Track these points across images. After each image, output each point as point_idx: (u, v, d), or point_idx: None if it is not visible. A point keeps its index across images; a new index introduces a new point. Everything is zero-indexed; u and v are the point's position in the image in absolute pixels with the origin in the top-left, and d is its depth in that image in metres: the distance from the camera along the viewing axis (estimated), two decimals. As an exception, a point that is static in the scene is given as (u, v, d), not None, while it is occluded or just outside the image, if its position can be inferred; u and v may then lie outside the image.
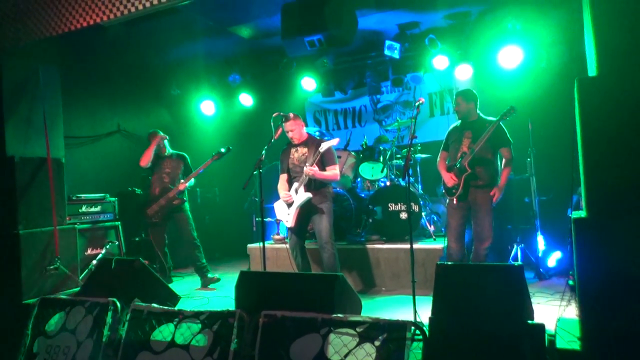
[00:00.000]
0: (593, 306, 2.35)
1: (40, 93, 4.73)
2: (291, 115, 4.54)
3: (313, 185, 4.40)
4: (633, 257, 2.30)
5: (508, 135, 4.34)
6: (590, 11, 2.53)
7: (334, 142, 4.43)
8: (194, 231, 5.58)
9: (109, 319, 3.48)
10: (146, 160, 5.54)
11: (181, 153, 5.80)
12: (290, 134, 4.52)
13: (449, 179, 4.38)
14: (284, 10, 4.99)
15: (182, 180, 5.56)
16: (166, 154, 5.67)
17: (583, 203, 2.55)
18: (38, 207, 4.62)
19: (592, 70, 2.59)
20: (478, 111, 4.51)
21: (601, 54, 2.42)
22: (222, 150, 5.48)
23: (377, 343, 2.65)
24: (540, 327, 2.41)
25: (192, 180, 5.62)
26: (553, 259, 5.11)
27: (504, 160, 4.37)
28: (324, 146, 4.29)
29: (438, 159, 4.65)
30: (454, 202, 4.35)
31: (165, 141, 5.69)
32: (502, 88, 6.12)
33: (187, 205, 5.63)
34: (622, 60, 2.38)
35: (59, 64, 5.01)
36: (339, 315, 2.83)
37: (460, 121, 4.57)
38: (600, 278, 2.35)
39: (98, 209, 5.83)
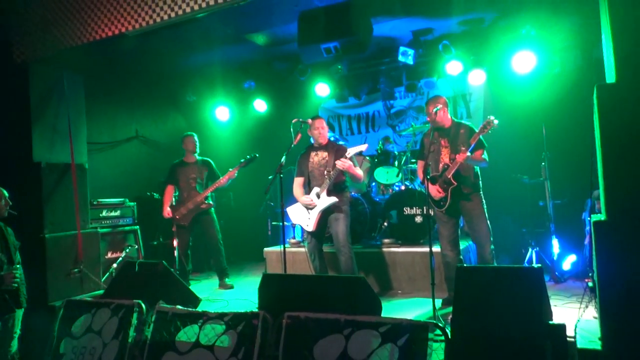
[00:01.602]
0: (613, 307, 2.40)
1: (64, 100, 4.87)
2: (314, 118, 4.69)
3: (333, 189, 4.47)
4: (653, 259, 2.35)
5: (483, 139, 4.18)
6: (608, 18, 2.59)
7: (363, 147, 4.49)
8: (219, 234, 5.72)
9: (134, 321, 3.56)
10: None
11: (206, 159, 5.91)
12: (319, 131, 4.60)
13: (435, 192, 4.25)
14: (300, 18, 5.09)
15: (211, 184, 5.66)
16: (192, 160, 5.80)
17: (602, 206, 2.60)
18: (63, 212, 4.75)
19: (610, 77, 2.64)
20: (450, 116, 4.38)
21: (620, 61, 2.48)
22: (248, 157, 5.56)
23: (399, 343, 2.70)
24: (562, 328, 2.46)
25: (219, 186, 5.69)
26: (568, 262, 5.14)
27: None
28: (351, 151, 4.36)
29: (417, 169, 4.47)
30: (442, 213, 4.29)
31: (195, 153, 5.84)
32: (515, 93, 6.18)
33: (213, 209, 5.76)
34: (640, 68, 2.44)
35: (82, 72, 5.15)
36: (362, 316, 2.89)
37: (433, 128, 4.38)
38: (620, 280, 2.40)
39: (118, 213, 5.96)
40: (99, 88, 6.28)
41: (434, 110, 4.21)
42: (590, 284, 3.14)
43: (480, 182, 4.32)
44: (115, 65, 6.28)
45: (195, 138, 5.87)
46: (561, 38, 5.59)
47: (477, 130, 4.20)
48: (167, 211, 5.64)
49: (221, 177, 5.66)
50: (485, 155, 4.21)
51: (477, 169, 4.32)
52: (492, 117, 3.98)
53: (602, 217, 2.57)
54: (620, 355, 2.37)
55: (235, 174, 5.57)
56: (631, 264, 2.38)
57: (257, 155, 5.64)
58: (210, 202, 5.73)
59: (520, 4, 5.32)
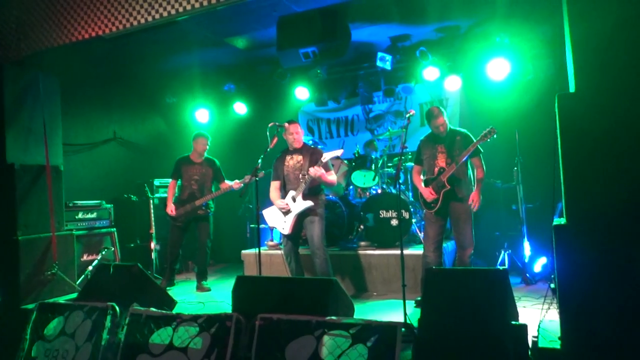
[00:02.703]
0: (572, 308, 2.50)
1: (40, 101, 4.82)
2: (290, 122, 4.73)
3: (308, 192, 4.52)
4: (609, 262, 2.45)
5: (479, 146, 4.31)
6: (569, 32, 2.71)
7: (338, 152, 4.56)
8: (209, 239, 5.74)
9: (107, 323, 3.56)
10: None
11: (211, 158, 5.84)
12: (293, 136, 4.64)
13: (428, 194, 4.39)
14: (279, 22, 5.14)
15: (213, 190, 5.66)
16: (198, 160, 5.74)
17: (563, 211, 2.70)
18: (37, 214, 4.70)
19: (572, 86, 2.76)
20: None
21: (579, 72, 2.59)
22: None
23: (369, 344, 2.77)
24: (523, 328, 2.55)
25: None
26: (539, 265, 5.28)
27: (476, 171, 4.40)
28: (326, 156, 4.42)
29: (412, 172, 4.62)
30: (432, 214, 4.41)
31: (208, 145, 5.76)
32: (490, 99, 6.32)
33: (211, 216, 5.75)
34: (598, 79, 2.55)
35: (58, 73, 5.11)
36: (333, 317, 2.95)
37: (431, 133, 4.54)
38: (579, 281, 2.50)
39: (94, 215, 5.93)
40: (76, 89, 6.24)
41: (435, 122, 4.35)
42: (552, 285, 3.25)
43: (474, 187, 4.43)
44: (93, 67, 6.25)
45: (209, 141, 5.77)
46: (533, 46, 5.74)
47: (472, 137, 4.36)
48: (171, 208, 5.58)
49: (228, 182, 5.61)
50: (482, 163, 4.36)
51: (471, 174, 4.45)
52: (493, 128, 4.13)
53: (562, 221, 2.67)
54: (577, 354, 2.46)
55: (240, 187, 5.38)
56: (588, 266, 2.48)
57: (265, 173, 5.27)
58: (209, 209, 5.69)
59: (494, 13, 5.45)
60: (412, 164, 6.09)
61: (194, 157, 5.75)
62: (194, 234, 5.79)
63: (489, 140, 4.17)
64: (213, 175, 5.72)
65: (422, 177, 4.62)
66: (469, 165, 4.46)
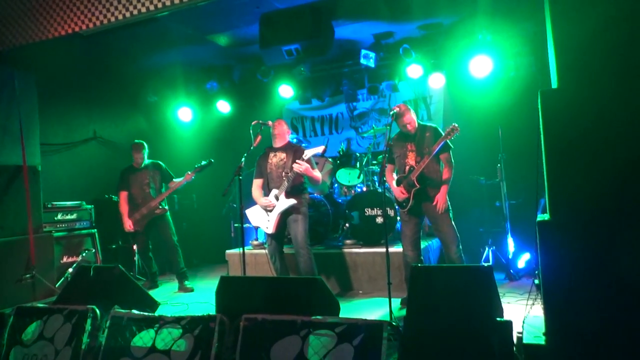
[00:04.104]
0: (556, 304, 2.50)
1: (15, 100, 4.70)
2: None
3: (291, 190, 4.48)
4: (592, 257, 2.47)
5: (448, 141, 4.30)
6: (552, 28, 2.71)
7: (320, 149, 4.53)
8: (175, 236, 5.77)
9: (88, 327, 3.48)
10: None
11: (156, 161, 5.92)
12: (275, 130, 4.62)
13: (399, 193, 4.38)
14: (262, 20, 5.09)
15: (162, 191, 5.72)
16: (142, 165, 5.79)
17: (547, 207, 2.71)
18: (14, 215, 4.59)
19: (554, 82, 2.77)
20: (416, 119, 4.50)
21: (561, 69, 2.60)
22: (203, 162, 5.59)
23: (355, 343, 2.74)
24: (508, 324, 2.55)
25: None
26: (522, 261, 5.32)
27: (443, 170, 4.37)
28: (308, 153, 4.38)
29: (384, 172, 4.47)
30: (405, 213, 4.41)
31: (144, 152, 5.84)
32: (473, 96, 6.35)
33: (168, 215, 5.79)
34: (580, 75, 2.56)
35: (35, 71, 4.98)
36: (318, 317, 2.91)
37: (401, 132, 4.50)
38: (562, 277, 2.50)
39: (74, 216, 5.81)
40: (55, 87, 6.09)
41: (394, 112, 4.31)
42: (537, 281, 3.28)
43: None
44: (72, 64, 6.10)
45: (144, 147, 5.86)
46: (515, 43, 5.77)
47: (441, 131, 4.34)
48: (129, 224, 5.63)
49: (175, 180, 5.71)
50: (451, 159, 4.32)
51: (443, 170, 4.43)
52: (455, 125, 4.13)
53: (546, 217, 2.68)
54: (562, 349, 2.48)
55: (192, 178, 5.62)
56: (572, 261, 2.49)
57: (212, 160, 5.65)
58: (165, 206, 5.74)
59: (476, 10, 5.47)
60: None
61: (138, 164, 5.82)
62: (160, 242, 5.84)
63: (452, 137, 4.18)
64: (161, 177, 5.82)
65: (395, 176, 4.60)
66: (440, 162, 4.42)
